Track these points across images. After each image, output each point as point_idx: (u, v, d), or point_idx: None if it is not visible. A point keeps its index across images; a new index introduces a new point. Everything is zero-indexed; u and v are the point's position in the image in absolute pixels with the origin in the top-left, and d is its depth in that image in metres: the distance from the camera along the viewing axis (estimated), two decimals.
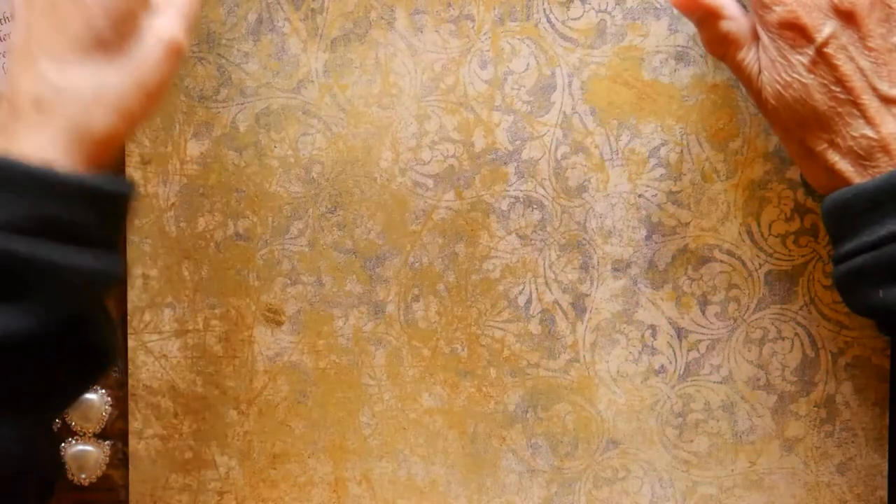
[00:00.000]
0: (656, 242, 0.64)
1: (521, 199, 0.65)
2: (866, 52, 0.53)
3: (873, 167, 0.53)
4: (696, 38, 0.63)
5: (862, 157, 0.54)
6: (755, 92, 0.56)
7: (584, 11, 0.64)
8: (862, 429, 0.65)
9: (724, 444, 0.65)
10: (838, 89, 0.54)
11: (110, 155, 0.51)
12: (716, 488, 0.65)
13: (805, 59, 0.54)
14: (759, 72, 0.56)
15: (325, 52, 0.65)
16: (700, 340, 0.65)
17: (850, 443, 0.65)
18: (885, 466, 0.65)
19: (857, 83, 0.53)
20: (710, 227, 0.64)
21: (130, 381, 0.67)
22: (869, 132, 0.53)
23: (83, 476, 0.68)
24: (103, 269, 0.50)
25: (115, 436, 0.68)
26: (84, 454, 0.68)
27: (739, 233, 0.64)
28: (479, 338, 0.65)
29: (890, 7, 0.54)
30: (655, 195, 0.64)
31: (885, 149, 0.53)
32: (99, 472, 0.68)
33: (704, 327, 0.65)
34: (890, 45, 0.54)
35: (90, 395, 0.67)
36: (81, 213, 0.49)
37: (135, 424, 0.67)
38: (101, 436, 0.68)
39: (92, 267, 0.49)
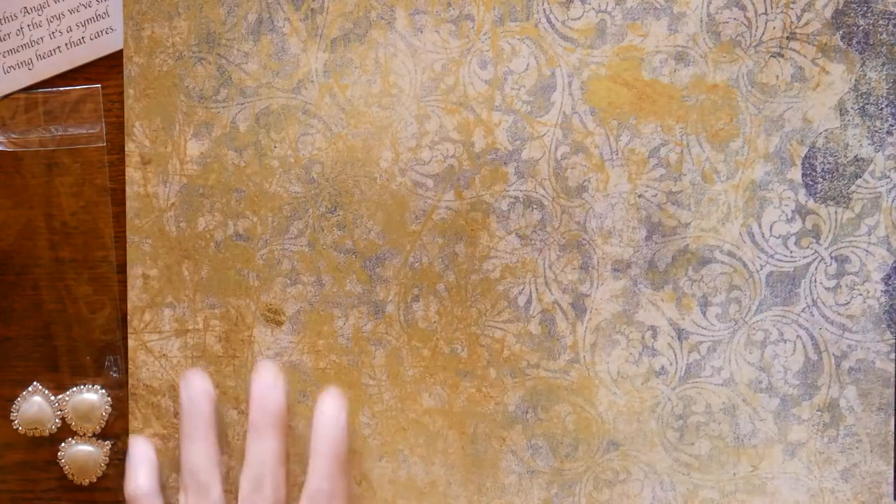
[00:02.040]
0: (656, 243, 0.64)
1: (521, 199, 0.65)
2: None
3: None
4: (696, 38, 0.63)
5: None
6: None
7: (584, 11, 0.64)
8: (866, 434, 0.64)
9: (726, 448, 0.65)
10: None
11: None
12: (717, 492, 0.65)
13: None
14: None
15: (325, 52, 0.65)
16: (701, 342, 0.64)
17: (854, 448, 0.64)
18: (891, 474, 0.64)
19: None
20: (711, 227, 0.64)
21: (130, 381, 0.67)
22: None
23: (84, 476, 0.68)
24: None
25: (115, 436, 0.68)
26: (85, 454, 0.68)
27: (740, 234, 0.64)
28: (478, 338, 0.65)
29: None
30: (655, 195, 0.64)
31: None
32: (100, 472, 0.68)
33: (705, 329, 0.64)
34: None
35: (90, 395, 0.67)
36: None
37: (135, 424, 0.67)
38: (101, 436, 0.68)
39: None
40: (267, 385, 0.63)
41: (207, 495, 0.62)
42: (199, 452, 0.62)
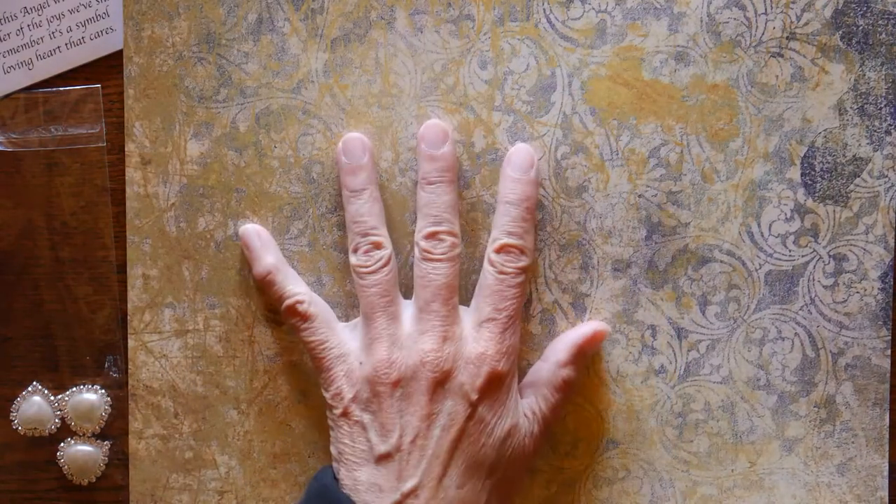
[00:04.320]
0: (656, 242, 0.64)
1: None
2: None
3: None
4: (696, 38, 0.63)
5: None
6: None
7: (584, 11, 0.64)
8: (862, 429, 0.65)
9: (724, 444, 0.65)
10: None
11: None
12: (716, 488, 0.65)
13: None
14: None
15: (325, 52, 0.65)
16: (700, 340, 0.65)
17: (850, 443, 0.65)
18: (886, 467, 0.65)
19: None
20: (710, 227, 0.64)
21: (130, 381, 0.67)
22: None
23: (83, 476, 0.68)
24: None
25: (115, 436, 0.68)
26: (84, 454, 0.68)
27: (739, 233, 0.64)
28: None
29: None
30: (655, 195, 0.64)
31: None
32: (99, 472, 0.68)
33: (704, 327, 0.65)
34: None
35: (90, 395, 0.67)
36: None
37: (135, 424, 0.67)
38: (101, 436, 0.68)
39: None
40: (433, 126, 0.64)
41: (378, 244, 0.62)
42: (363, 203, 0.63)
